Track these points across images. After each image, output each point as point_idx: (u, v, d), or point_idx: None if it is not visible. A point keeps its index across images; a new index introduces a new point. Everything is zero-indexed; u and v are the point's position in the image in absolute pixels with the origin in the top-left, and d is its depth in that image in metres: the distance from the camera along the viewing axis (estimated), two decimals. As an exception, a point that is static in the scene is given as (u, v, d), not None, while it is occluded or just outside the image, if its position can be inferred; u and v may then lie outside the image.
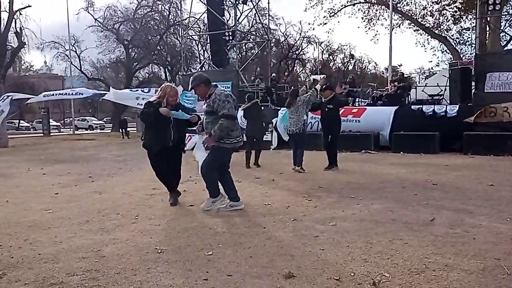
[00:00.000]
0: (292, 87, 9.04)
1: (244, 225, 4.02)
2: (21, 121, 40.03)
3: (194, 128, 5.16)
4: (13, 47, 28.53)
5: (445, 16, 22.70)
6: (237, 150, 5.13)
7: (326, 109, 7.86)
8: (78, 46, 32.65)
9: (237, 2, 21.84)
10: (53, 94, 14.57)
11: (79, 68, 32.91)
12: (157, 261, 3.09)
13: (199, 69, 26.74)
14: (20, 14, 26.05)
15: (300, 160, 7.57)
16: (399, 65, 43.37)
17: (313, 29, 61.35)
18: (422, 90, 14.07)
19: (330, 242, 3.43)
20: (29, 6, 24.51)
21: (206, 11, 20.07)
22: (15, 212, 4.80)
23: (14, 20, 25.48)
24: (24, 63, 41.72)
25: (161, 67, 35.85)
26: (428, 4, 22.79)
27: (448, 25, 23.15)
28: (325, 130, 8.09)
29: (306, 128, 7.92)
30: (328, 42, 39.09)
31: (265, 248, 3.34)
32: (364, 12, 24.82)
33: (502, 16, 19.09)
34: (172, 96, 4.94)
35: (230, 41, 19.74)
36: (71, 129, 32.40)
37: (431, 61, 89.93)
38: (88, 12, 30.73)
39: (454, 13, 22.26)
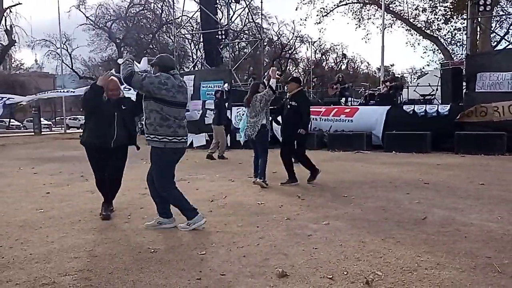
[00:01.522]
0: (252, 82, 7.05)
1: (237, 224, 4.02)
2: (12, 120, 39.62)
3: None
4: (3, 45, 28.26)
5: (436, 16, 22.93)
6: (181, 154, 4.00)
7: (288, 106, 6.15)
8: (69, 44, 32.54)
9: (230, 1, 21.85)
10: (45, 92, 14.53)
11: (71, 67, 32.73)
12: (150, 260, 3.07)
13: (192, 68, 26.73)
14: (11, 11, 25.84)
15: (262, 171, 6.04)
16: (391, 65, 43.65)
17: (305, 26, 61.81)
18: (414, 90, 14.15)
19: (323, 241, 3.45)
20: (20, 3, 24.27)
21: (199, 10, 20.04)
22: (6, 212, 4.75)
23: (4, 17, 25.22)
24: (15, 61, 41.35)
25: (153, 66, 35.63)
26: (420, 2, 23.01)
27: (439, 25, 23.38)
28: (284, 136, 6.39)
29: (267, 136, 6.18)
30: (320, 40, 39.22)
31: (259, 247, 3.34)
32: (356, 12, 24.97)
33: (493, 17, 19.34)
34: (112, 89, 4.24)
35: (223, 40, 19.72)
36: (63, 128, 32.11)
37: (422, 58, 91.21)
38: (80, 10, 30.60)
39: (445, 12, 22.47)
